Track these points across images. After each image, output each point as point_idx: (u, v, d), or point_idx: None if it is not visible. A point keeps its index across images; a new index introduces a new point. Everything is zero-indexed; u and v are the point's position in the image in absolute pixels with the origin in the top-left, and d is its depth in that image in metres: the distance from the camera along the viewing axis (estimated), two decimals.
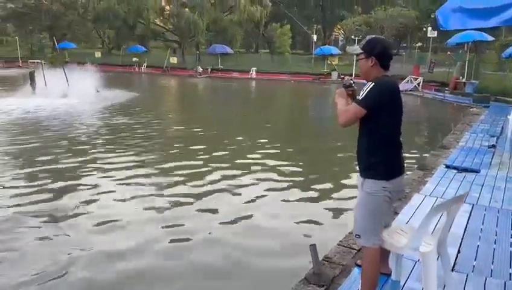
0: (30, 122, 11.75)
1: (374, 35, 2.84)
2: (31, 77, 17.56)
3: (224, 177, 6.88)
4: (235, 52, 41.18)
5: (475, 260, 3.57)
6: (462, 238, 3.99)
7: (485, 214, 4.63)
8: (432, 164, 6.87)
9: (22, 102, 14.99)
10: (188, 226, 4.99)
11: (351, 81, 2.88)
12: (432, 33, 25.42)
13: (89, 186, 6.30)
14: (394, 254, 3.03)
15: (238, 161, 8.02)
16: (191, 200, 5.87)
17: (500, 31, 25.41)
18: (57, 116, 12.96)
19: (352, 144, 2.94)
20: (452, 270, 3.35)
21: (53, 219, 5.09)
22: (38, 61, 28.29)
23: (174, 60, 38.95)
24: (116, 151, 8.63)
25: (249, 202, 5.83)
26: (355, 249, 3.71)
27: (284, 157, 8.58)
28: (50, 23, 44.00)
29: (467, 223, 4.37)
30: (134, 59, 39.64)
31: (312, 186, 6.59)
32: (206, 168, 7.43)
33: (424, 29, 36.08)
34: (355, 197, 2.90)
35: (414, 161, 7.69)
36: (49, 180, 6.54)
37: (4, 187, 6.19)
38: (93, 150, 8.62)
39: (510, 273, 3.35)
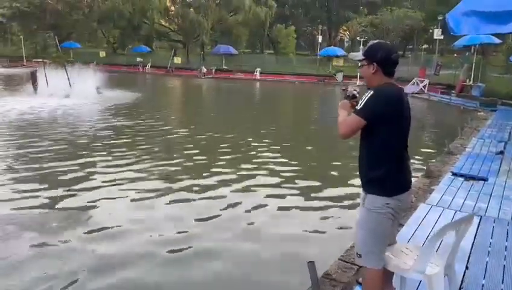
0: (27, 124, 11.52)
1: (377, 40, 2.65)
2: (33, 77, 17.47)
3: (226, 184, 6.69)
4: (240, 53, 41.04)
5: (484, 278, 3.36)
6: (470, 253, 3.78)
7: (493, 227, 4.42)
8: (438, 171, 6.66)
9: (22, 102, 14.84)
10: (186, 233, 4.83)
11: (355, 92, 2.67)
12: (438, 35, 25.15)
13: (87, 191, 6.13)
14: (399, 274, 2.83)
15: (242, 167, 7.78)
16: (191, 205, 5.74)
17: (508, 34, 25.08)
18: (56, 117, 12.82)
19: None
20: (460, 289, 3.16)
21: (46, 226, 4.92)
22: (43, 60, 28.26)
23: (178, 60, 38.88)
24: (116, 154, 8.43)
25: (250, 210, 5.64)
26: (357, 265, 3.51)
27: (286, 161, 8.40)
28: (55, 22, 44.00)
29: (475, 236, 4.16)
30: (138, 59, 39.62)
31: (316, 194, 6.39)
32: (209, 173, 7.24)
33: (431, 31, 35.74)
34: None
35: (419, 168, 7.47)
36: (43, 185, 6.37)
37: None
38: (91, 153, 8.45)
39: None
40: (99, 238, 4.66)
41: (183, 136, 10.94)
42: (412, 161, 8.45)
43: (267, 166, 7.90)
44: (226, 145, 9.68)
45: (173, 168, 7.55)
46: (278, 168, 7.78)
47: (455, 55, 30.19)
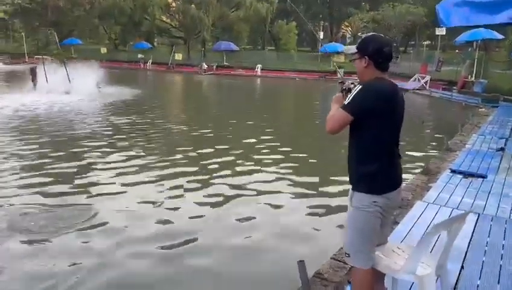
0: (24, 121, 11.43)
1: (371, 33, 2.57)
2: (32, 73, 17.41)
3: (225, 182, 6.61)
4: (241, 49, 40.88)
5: (479, 278, 3.28)
6: (466, 252, 3.70)
7: (491, 225, 4.33)
8: (436, 168, 6.56)
9: (20, 98, 14.75)
10: (181, 231, 4.79)
11: (352, 85, 2.54)
12: (440, 31, 24.85)
13: (85, 190, 6.06)
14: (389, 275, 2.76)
15: (240, 168, 7.62)
16: (189, 200, 5.71)
17: (511, 28, 24.85)
18: (53, 114, 12.71)
19: None
20: None
21: (41, 226, 4.85)
22: (45, 57, 28.20)
23: (179, 56, 38.76)
24: (115, 152, 8.30)
25: (246, 207, 5.61)
26: (349, 265, 3.44)
27: (285, 157, 8.31)
28: (56, 19, 43.92)
29: (472, 234, 4.08)
30: (139, 55, 39.52)
31: (314, 191, 6.34)
32: (207, 173, 7.14)
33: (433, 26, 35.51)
34: None
35: (418, 165, 7.38)
36: (42, 182, 6.31)
37: None
38: (90, 151, 8.37)
39: None
40: (95, 235, 4.62)
41: (183, 133, 10.89)
42: (411, 157, 8.40)
43: (265, 162, 7.85)
44: (225, 141, 9.62)
45: (172, 164, 7.50)
46: (275, 164, 7.71)
47: (457, 51, 29.96)
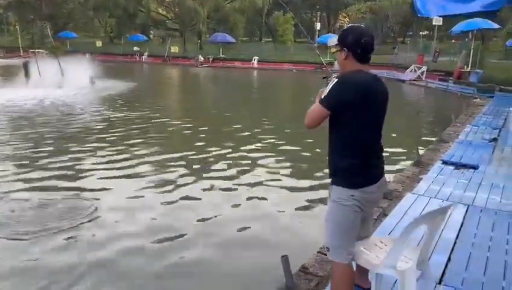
0: (14, 116, 11.30)
1: (350, 24, 2.51)
2: (25, 68, 17.27)
3: (218, 176, 6.55)
4: (237, 41, 40.62)
5: (466, 270, 3.25)
6: (454, 244, 3.68)
7: (480, 217, 4.31)
8: (428, 159, 6.53)
9: (12, 93, 14.58)
10: (174, 226, 4.75)
11: (336, 79, 2.50)
12: (437, 21, 24.75)
13: (76, 186, 5.98)
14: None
15: (233, 162, 7.47)
16: (183, 203, 5.58)
17: (508, 19, 24.73)
18: (43, 108, 12.58)
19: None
20: (440, 282, 3.05)
21: (40, 219, 4.80)
22: (40, 50, 28.03)
23: (175, 49, 38.51)
24: (108, 148, 8.16)
25: (237, 200, 5.57)
26: None
27: (280, 149, 8.27)
28: (51, 12, 43.54)
29: (461, 226, 4.06)
30: (135, 48, 39.26)
31: (305, 185, 6.30)
32: (203, 165, 7.11)
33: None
34: None
35: (410, 156, 7.34)
36: (33, 178, 6.23)
37: None
38: (81, 146, 8.27)
39: (503, 287, 3.04)
40: (88, 229, 4.57)
41: (176, 127, 10.80)
42: (403, 149, 8.34)
43: (258, 156, 7.79)
44: (219, 136, 9.55)
45: (165, 159, 7.44)
46: (268, 157, 7.67)
47: (453, 41, 29.80)
